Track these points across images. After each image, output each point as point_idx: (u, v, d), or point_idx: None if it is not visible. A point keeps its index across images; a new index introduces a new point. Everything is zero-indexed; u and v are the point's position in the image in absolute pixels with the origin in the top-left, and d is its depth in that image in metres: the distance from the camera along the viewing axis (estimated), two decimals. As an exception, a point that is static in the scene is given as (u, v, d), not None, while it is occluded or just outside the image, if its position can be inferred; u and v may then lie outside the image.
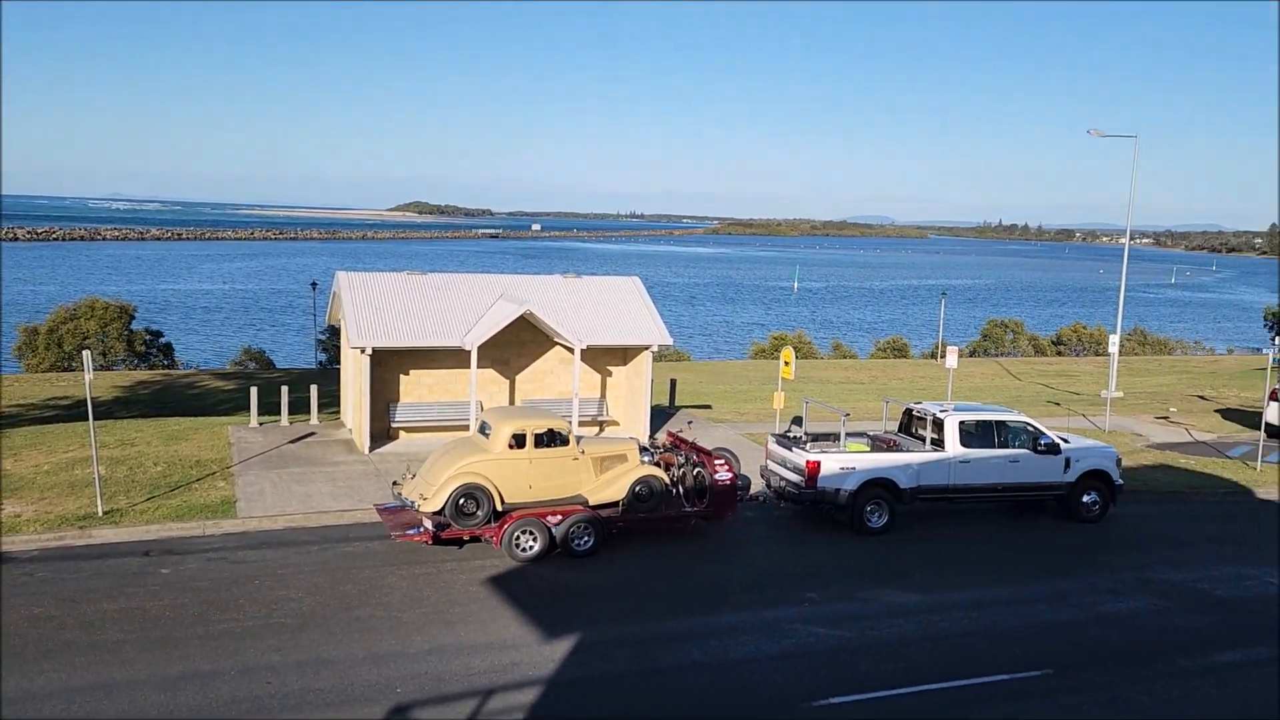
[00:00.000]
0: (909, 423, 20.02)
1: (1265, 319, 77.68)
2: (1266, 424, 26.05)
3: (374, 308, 22.21)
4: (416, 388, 23.25)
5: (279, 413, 24.40)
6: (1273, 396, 27.54)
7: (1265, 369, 26.45)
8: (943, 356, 28.31)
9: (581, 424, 22.95)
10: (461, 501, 15.70)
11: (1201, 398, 36.45)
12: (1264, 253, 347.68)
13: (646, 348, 23.45)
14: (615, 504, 16.74)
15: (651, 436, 22.98)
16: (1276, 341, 29.50)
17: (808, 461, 17.70)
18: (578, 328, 22.71)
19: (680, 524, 17.45)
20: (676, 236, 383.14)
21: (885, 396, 24.71)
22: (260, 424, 23.98)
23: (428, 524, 15.54)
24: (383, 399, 22.82)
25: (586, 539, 15.99)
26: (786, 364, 23.58)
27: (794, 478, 18.05)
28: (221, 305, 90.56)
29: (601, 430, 24.17)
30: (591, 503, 16.52)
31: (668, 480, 17.34)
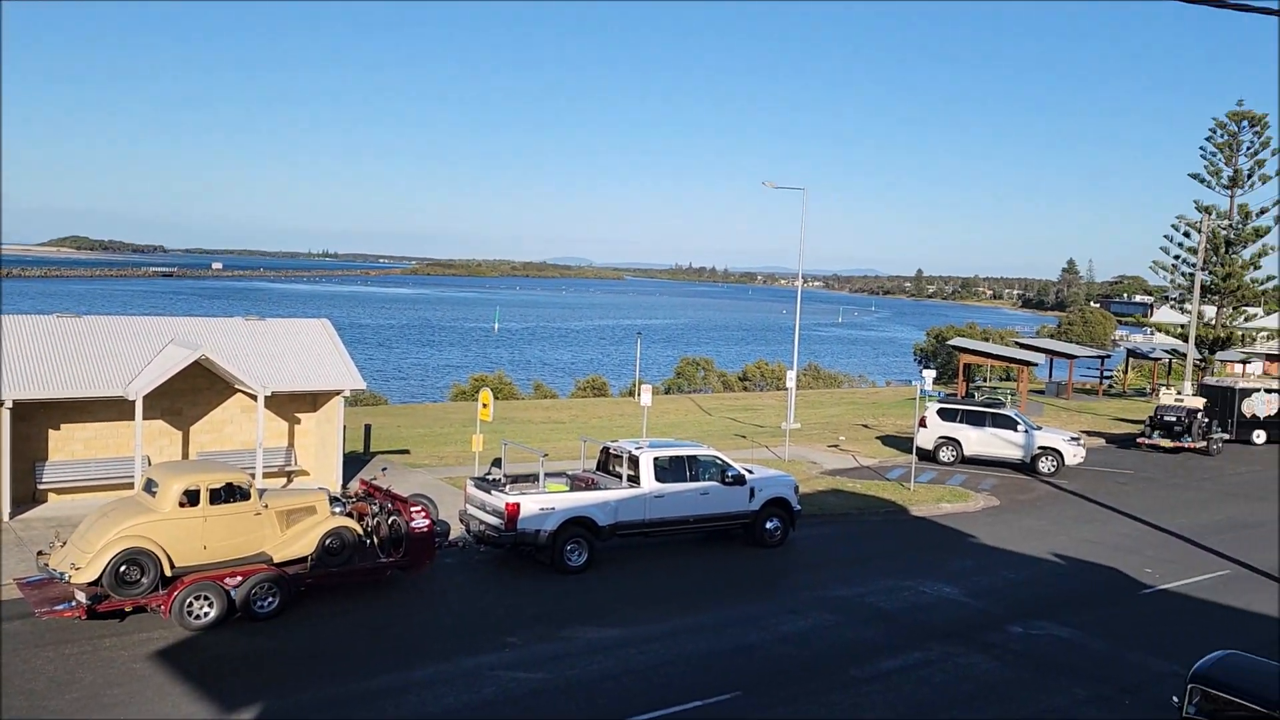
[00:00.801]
0: (606, 460, 20.44)
1: (915, 354, 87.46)
2: (918, 448, 29.12)
3: (13, 355, 19.63)
4: (70, 443, 20.77)
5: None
6: (922, 423, 30.82)
7: (915, 399, 29.60)
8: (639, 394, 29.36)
9: (267, 475, 21.49)
10: (123, 569, 14.07)
11: (865, 426, 40.18)
12: (913, 295, 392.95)
13: (338, 392, 22.42)
14: (304, 559, 15.71)
15: (344, 486, 21.92)
16: (924, 374, 33.14)
17: (507, 504, 17.55)
18: (261, 373, 21.29)
19: (376, 576, 16.68)
20: (373, 277, 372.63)
21: (583, 435, 25.12)
22: None
23: (81, 597, 13.79)
24: (27, 457, 20.18)
25: (271, 600, 14.86)
26: (485, 406, 23.38)
27: (494, 521, 17.84)
28: None
29: (290, 481, 22.76)
30: (276, 560, 15.40)
31: (361, 531, 16.53)
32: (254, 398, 21.10)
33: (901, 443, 34.30)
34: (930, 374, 33.76)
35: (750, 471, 20.68)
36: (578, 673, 13.38)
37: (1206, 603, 17.78)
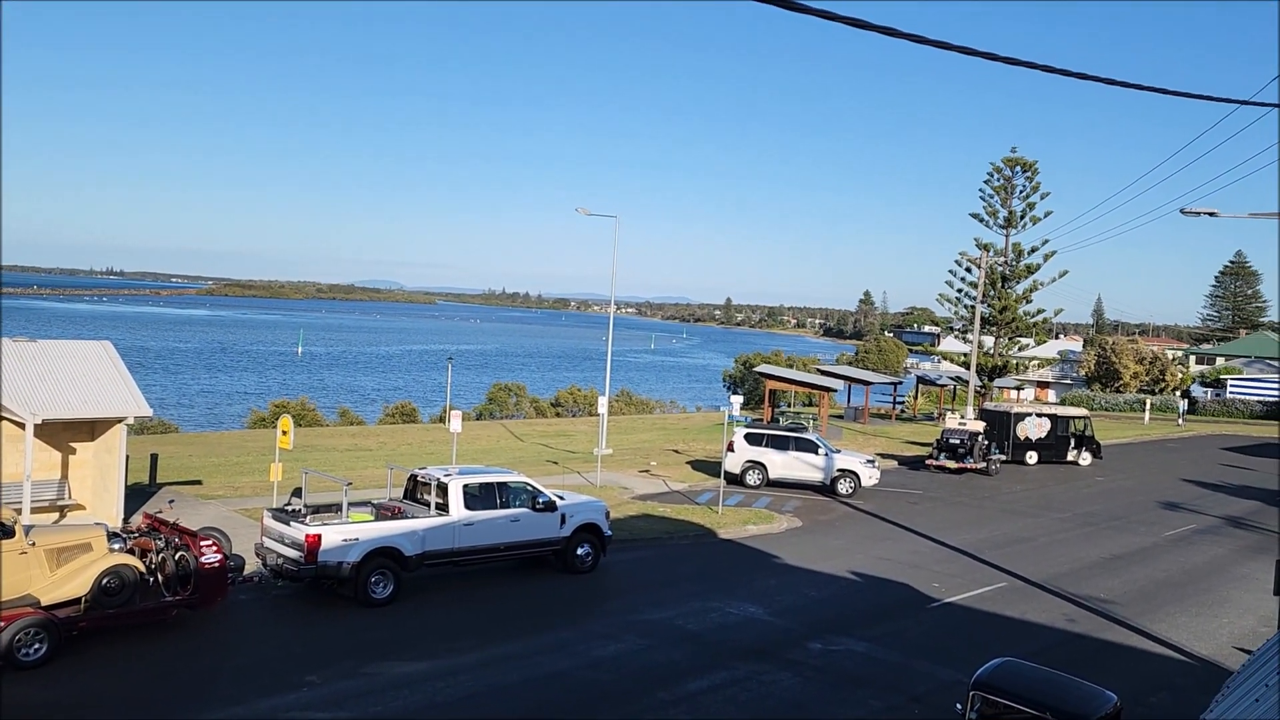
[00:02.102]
0: (414, 488, 19.90)
1: (724, 380, 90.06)
2: (726, 472, 29.89)
3: None
4: None
5: None
6: (730, 448, 31.67)
7: (723, 424, 30.41)
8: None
9: (37, 510, 19.68)
10: None
11: (676, 451, 40.93)
12: (722, 323, 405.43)
13: (120, 420, 20.85)
14: (77, 601, 14.45)
15: (125, 520, 20.37)
16: (732, 400, 34.14)
17: (307, 535, 16.77)
18: (31, 398, 19.54)
19: (161, 616, 15.51)
20: (165, 297, 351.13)
21: (390, 463, 24.39)
22: None
23: None
24: None
25: (38, 646, 13.56)
26: (285, 433, 22.33)
27: (293, 553, 16.99)
28: None
29: (63, 516, 20.92)
30: (45, 603, 14.10)
31: (144, 568, 15.38)
32: (23, 426, 19.32)
33: (711, 467, 35.12)
34: (738, 400, 34.85)
35: (561, 498, 20.62)
36: (381, 709, 12.88)
37: (987, 613, 19.02)
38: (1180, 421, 67.17)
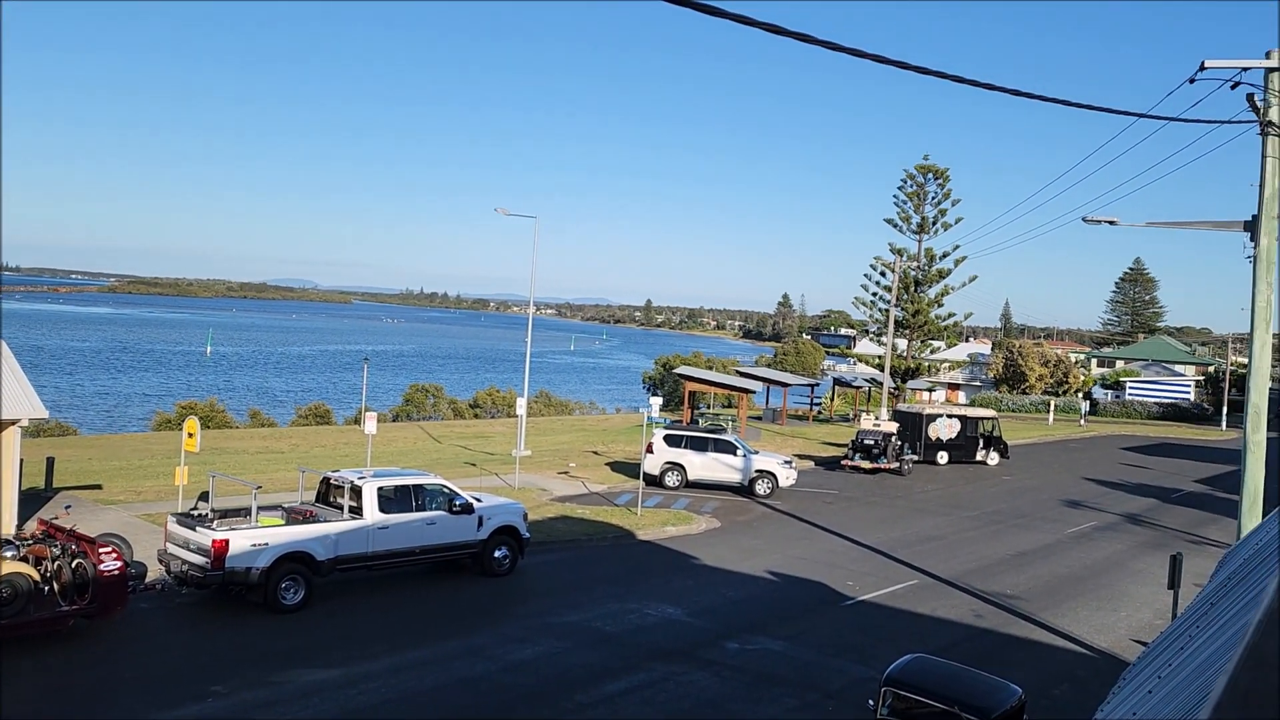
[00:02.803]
0: (327, 491, 19.50)
1: (644, 381, 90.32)
2: (645, 474, 29.93)
3: None
4: None
5: None
6: (649, 449, 31.74)
7: (643, 425, 30.49)
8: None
9: (-79, 517, 18.74)
10: None
11: (595, 453, 40.87)
12: (643, 324, 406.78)
13: (14, 422, 19.97)
14: (-35, 612, 13.78)
15: (19, 527, 19.50)
16: (652, 401, 34.22)
17: (214, 540, 16.28)
18: (-83, 400, 18.60)
19: (56, 627, 14.90)
20: (64, 294, 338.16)
21: (302, 466, 23.85)
22: None
23: None
24: None
25: (-79, 661, 12.90)
26: (191, 435, 21.64)
27: (199, 560, 16.48)
28: None
29: (-49, 523, 19.95)
30: (-71, 615, 13.41)
31: (38, 576, 14.75)
32: (-94, 428, 18.38)
33: (630, 468, 35.15)
34: (657, 401, 34.94)
35: (479, 500, 20.41)
36: (289, 719, 12.55)
37: (899, 610, 19.40)
38: (1082, 422, 69.59)
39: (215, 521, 17.22)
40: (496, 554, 20.20)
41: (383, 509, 18.50)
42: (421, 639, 16.11)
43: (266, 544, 16.82)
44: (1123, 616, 19.87)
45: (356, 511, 18.34)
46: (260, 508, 17.80)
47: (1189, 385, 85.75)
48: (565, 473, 34.35)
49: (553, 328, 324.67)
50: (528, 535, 20.96)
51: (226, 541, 16.37)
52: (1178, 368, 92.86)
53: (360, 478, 18.75)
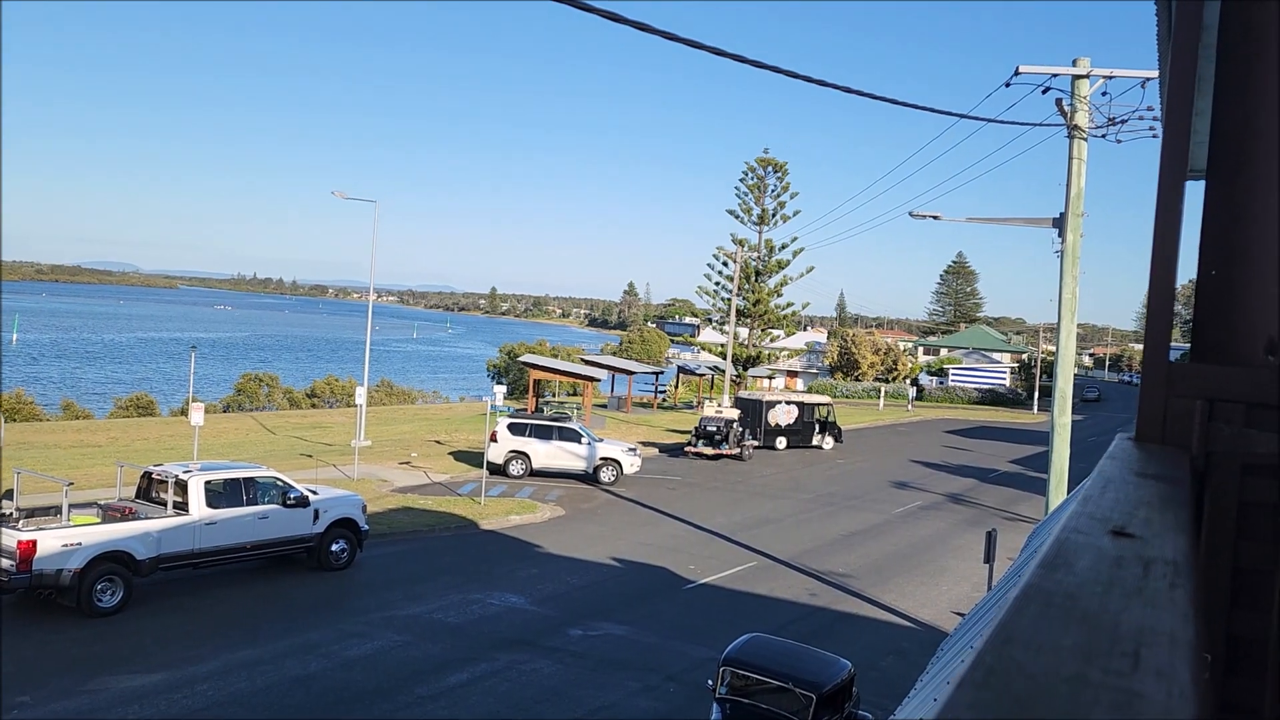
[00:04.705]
0: (150, 487, 18.45)
1: (489, 370, 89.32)
2: (489, 463, 29.66)
3: None
4: None
5: None
6: (493, 438, 31.46)
7: (487, 414, 30.17)
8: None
9: None
10: None
11: (438, 442, 40.20)
12: (487, 312, 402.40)
13: None
14: None
15: None
16: (496, 390, 33.90)
17: (20, 541, 15.17)
18: None
19: None
20: None
21: (121, 460, 22.49)
22: None
23: None
24: None
25: None
26: (-5, 429, 20.07)
27: (4, 563, 15.32)
28: None
29: None
30: None
31: None
32: None
33: (474, 458, 34.75)
34: (501, 389, 34.62)
35: (315, 492, 19.77)
36: (107, 728, 11.85)
37: (738, 592, 19.93)
38: (910, 407, 73.21)
39: (21, 522, 16.06)
40: (334, 548, 19.62)
41: (211, 504, 17.66)
42: (253, 638, 15.49)
43: (80, 544, 15.79)
44: (944, 590, 21.03)
45: (182, 507, 17.44)
46: (73, 505, 16.69)
47: (1005, 372, 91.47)
48: (407, 463, 33.65)
49: (395, 315, 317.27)
50: (366, 528, 20.44)
51: (34, 542, 15.29)
52: (995, 355, 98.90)
53: (186, 471, 17.84)
